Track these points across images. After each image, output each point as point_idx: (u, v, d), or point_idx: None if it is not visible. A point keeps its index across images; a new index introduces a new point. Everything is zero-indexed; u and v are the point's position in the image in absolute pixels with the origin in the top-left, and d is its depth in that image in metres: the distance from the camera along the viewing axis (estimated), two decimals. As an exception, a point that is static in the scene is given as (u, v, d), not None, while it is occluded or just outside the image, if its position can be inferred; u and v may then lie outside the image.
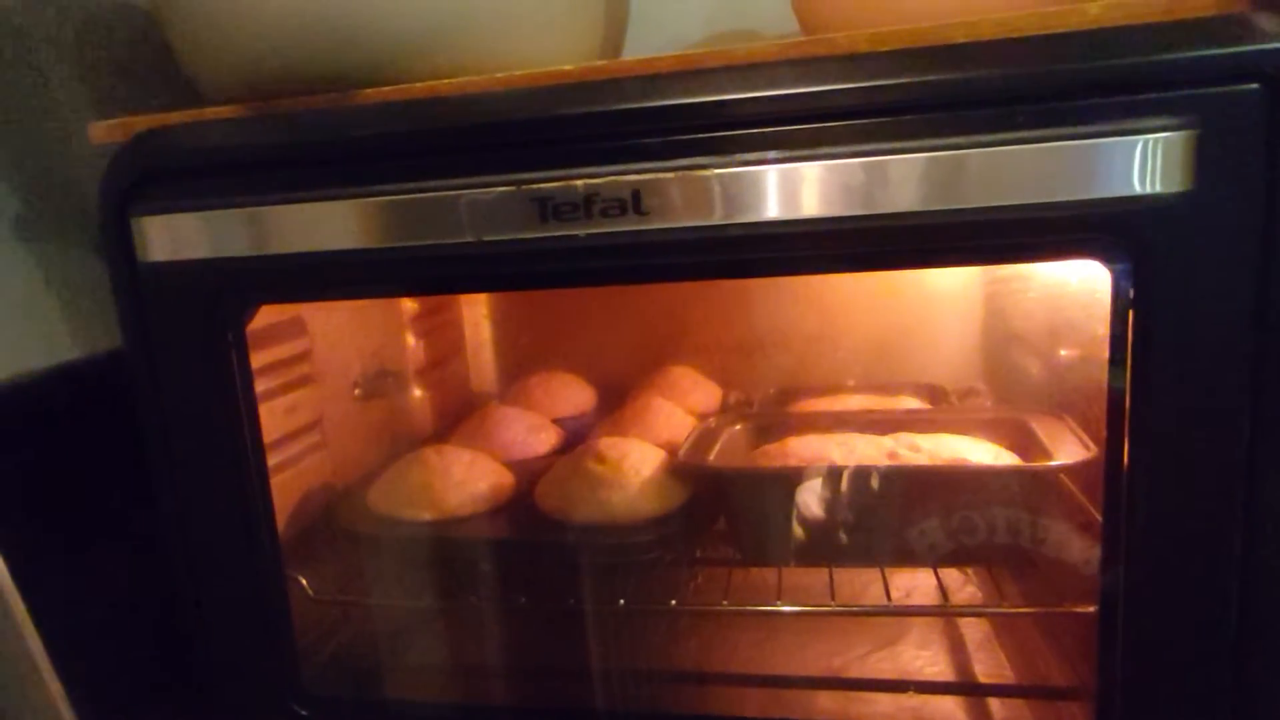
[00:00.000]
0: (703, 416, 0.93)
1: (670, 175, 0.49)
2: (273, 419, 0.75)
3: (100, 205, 0.60)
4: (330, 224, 0.54)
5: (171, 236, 0.57)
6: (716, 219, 0.49)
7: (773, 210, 0.48)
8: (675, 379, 1.05)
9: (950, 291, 1.01)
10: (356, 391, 0.93)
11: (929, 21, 0.55)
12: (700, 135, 0.49)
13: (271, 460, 0.70)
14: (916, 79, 0.49)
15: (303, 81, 0.64)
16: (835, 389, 1.00)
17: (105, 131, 0.69)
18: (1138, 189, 0.46)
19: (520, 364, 1.15)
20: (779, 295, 1.08)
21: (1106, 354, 0.72)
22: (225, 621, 0.70)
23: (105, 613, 0.76)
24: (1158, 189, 0.46)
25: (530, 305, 1.16)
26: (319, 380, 0.86)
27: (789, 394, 1.01)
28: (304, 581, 0.77)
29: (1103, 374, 0.75)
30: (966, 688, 0.75)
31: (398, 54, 0.63)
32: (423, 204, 0.52)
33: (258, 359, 0.69)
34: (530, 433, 0.95)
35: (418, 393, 1.06)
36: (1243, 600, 0.55)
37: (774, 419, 0.86)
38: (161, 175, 0.59)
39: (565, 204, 0.50)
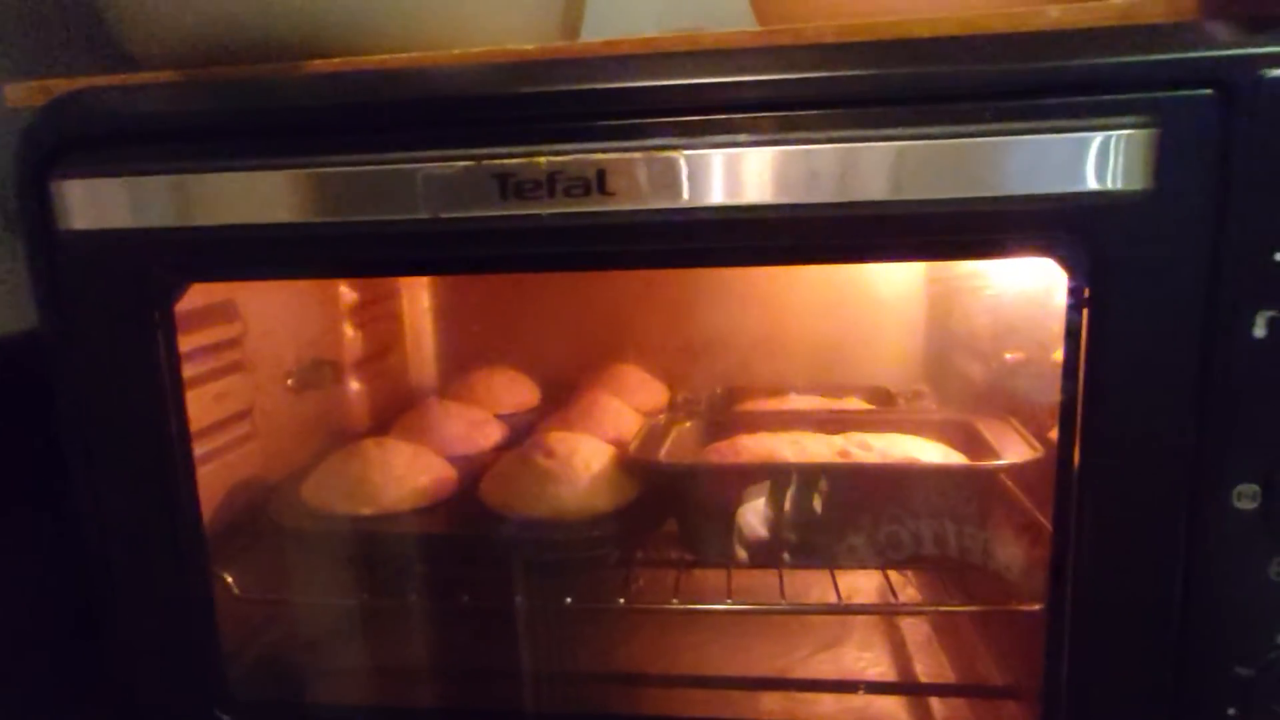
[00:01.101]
0: (650, 415, 0.92)
1: (637, 155, 0.47)
2: (200, 406, 0.71)
3: (16, 168, 0.55)
4: (271, 195, 0.51)
5: (95, 203, 0.52)
6: (683, 202, 0.47)
7: (742, 195, 0.47)
8: (622, 377, 1.03)
9: (897, 295, 1.02)
10: (290, 382, 0.88)
11: (890, 18, 0.55)
12: (669, 119, 0.48)
13: (198, 449, 0.66)
14: (886, 71, 0.49)
15: (244, 51, 0.61)
16: (782, 391, 1.00)
17: (24, 94, 0.65)
18: (1097, 185, 0.46)
19: (462, 359, 1.12)
20: (726, 297, 1.08)
21: (1053, 357, 0.73)
22: (144, 621, 0.65)
23: (13, 609, 0.71)
24: (1119, 185, 0.46)
25: (474, 299, 1.14)
26: (251, 368, 0.81)
27: (736, 394, 1.01)
28: (229, 579, 0.72)
29: (1048, 377, 0.77)
30: (915, 688, 0.75)
31: (345, 27, 0.61)
32: (375, 177, 0.49)
33: (186, 342, 0.65)
34: (473, 428, 0.92)
35: (355, 386, 1.02)
36: (1186, 598, 0.56)
37: (724, 417, 0.85)
38: (88, 139, 0.54)
39: (527, 181, 0.48)
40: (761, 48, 0.52)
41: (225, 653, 0.69)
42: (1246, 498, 0.54)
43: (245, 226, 0.51)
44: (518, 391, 1.06)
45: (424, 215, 0.49)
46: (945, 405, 0.94)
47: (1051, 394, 0.75)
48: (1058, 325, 0.73)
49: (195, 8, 0.61)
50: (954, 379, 0.95)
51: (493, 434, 0.93)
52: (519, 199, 0.48)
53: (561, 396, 0.98)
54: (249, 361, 0.81)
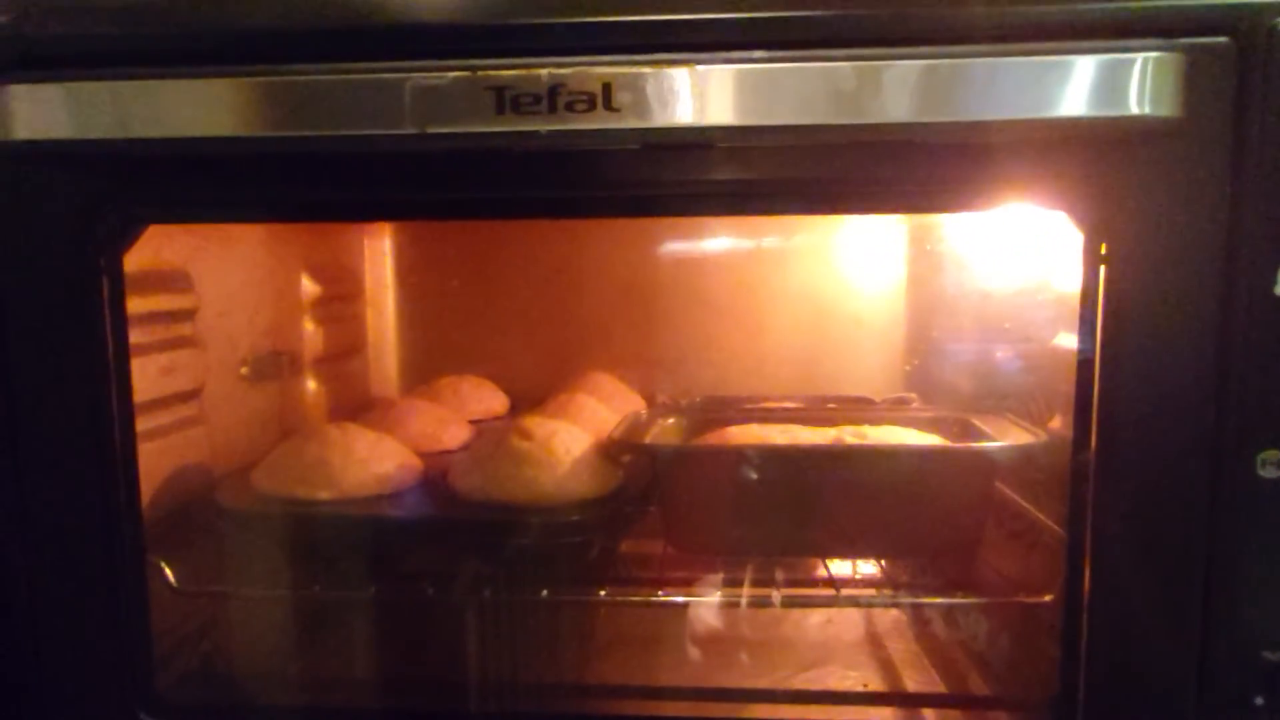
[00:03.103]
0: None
1: (647, 69, 0.44)
2: (145, 378, 0.65)
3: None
4: (235, 104, 0.46)
5: (41, 107, 0.47)
6: (693, 119, 0.44)
7: (756, 114, 0.44)
8: (596, 385, 0.98)
9: (877, 299, 1.00)
10: (244, 370, 0.82)
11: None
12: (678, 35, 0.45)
13: (140, 425, 0.60)
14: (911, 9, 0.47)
15: None
16: (760, 401, 0.97)
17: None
18: (1135, 110, 0.44)
19: (428, 365, 1.07)
20: (701, 308, 1.06)
21: (1051, 343, 0.72)
22: (65, 609, 0.58)
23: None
24: (1148, 110, 0.44)
25: (440, 304, 1.09)
26: (202, 346, 0.75)
27: (715, 403, 0.97)
28: (167, 569, 0.65)
29: (1044, 367, 0.75)
30: (907, 699, 0.70)
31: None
32: (358, 86, 0.45)
33: (134, 305, 0.59)
34: (440, 425, 0.86)
35: (313, 385, 0.96)
36: (1209, 578, 0.53)
37: (709, 413, 0.81)
38: (41, 50, 0.50)
39: (526, 95, 0.44)
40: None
41: (160, 653, 0.62)
42: (1272, 465, 0.51)
43: (213, 141, 0.47)
44: (485, 399, 1.01)
45: (410, 130, 0.45)
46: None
47: (1050, 382, 0.73)
48: (1054, 310, 0.71)
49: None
50: (942, 383, 0.92)
51: (461, 434, 0.88)
52: (516, 114, 0.45)
53: (532, 407, 0.94)
54: (201, 339, 0.75)
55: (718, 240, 1.05)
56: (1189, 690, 0.53)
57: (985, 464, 0.66)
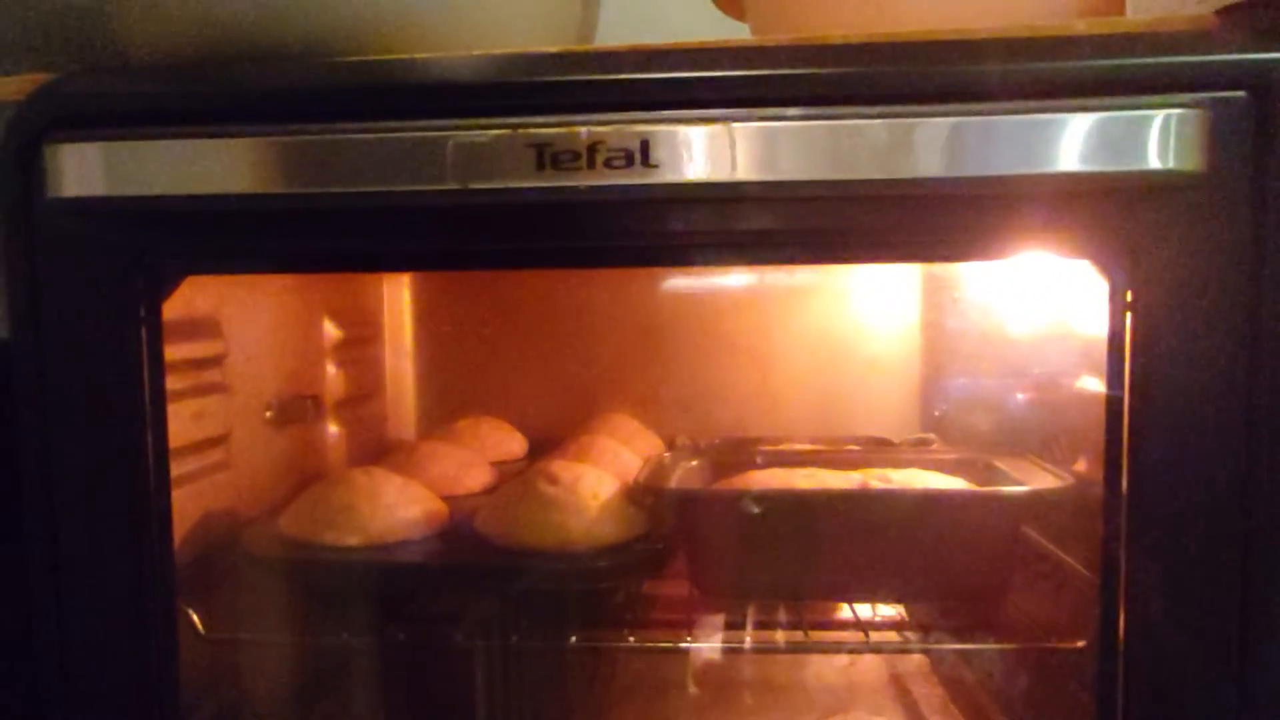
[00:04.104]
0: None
1: (683, 127, 0.45)
2: (178, 422, 0.65)
3: (5, 138, 0.51)
4: (278, 162, 0.47)
5: (88, 167, 0.48)
6: (728, 175, 0.45)
7: (790, 169, 0.45)
8: (615, 426, 0.99)
9: (894, 341, 1.01)
10: (269, 414, 0.83)
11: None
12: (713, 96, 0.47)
13: (172, 470, 0.61)
14: (935, 69, 0.48)
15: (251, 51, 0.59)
16: (780, 442, 0.97)
17: (14, 87, 0.62)
18: (1157, 164, 0.45)
19: (444, 409, 1.08)
20: (718, 349, 1.06)
21: (1074, 385, 0.72)
22: (92, 655, 0.58)
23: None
24: (1172, 165, 0.45)
25: (458, 346, 1.10)
26: (230, 392, 0.76)
27: (736, 445, 0.97)
28: (194, 616, 0.65)
29: (1068, 409, 0.75)
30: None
31: (354, 33, 0.59)
32: (400, 144, 0.46)
33: (168, 353, 0.60)
34: (462, 468, 0.87)
35: (335, 429, 0.97)
36: (1245, 620, 0.53)
37: (733, 455, 0.81)
38: (86, 112, 0.51)
39: (565, 152, 0.46)
40: (813, 45, 0.50)
41: (183, 701, 0.62)
42: (1303, 506, 0.51)
43: (256, 198, 0.48)
44: (504, 441, 1.02)
45: (451, 185, 0.46)
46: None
47: (1073, 425, 0.74)
48: (1075, 353, 0.72)
49: (200, 9, 0.59)
50: (960, 425, 0.92)
51: (483, 476, 0.88)
52: (556, 169, 0.46)
53: (550, 449, 0.94)
54: (229, 385, 0.76)
55: (734, 282, 1.06)
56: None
57: (1016, 509, 0.66)
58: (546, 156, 0.46)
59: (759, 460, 0.78)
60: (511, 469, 0.94)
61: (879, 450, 0.85)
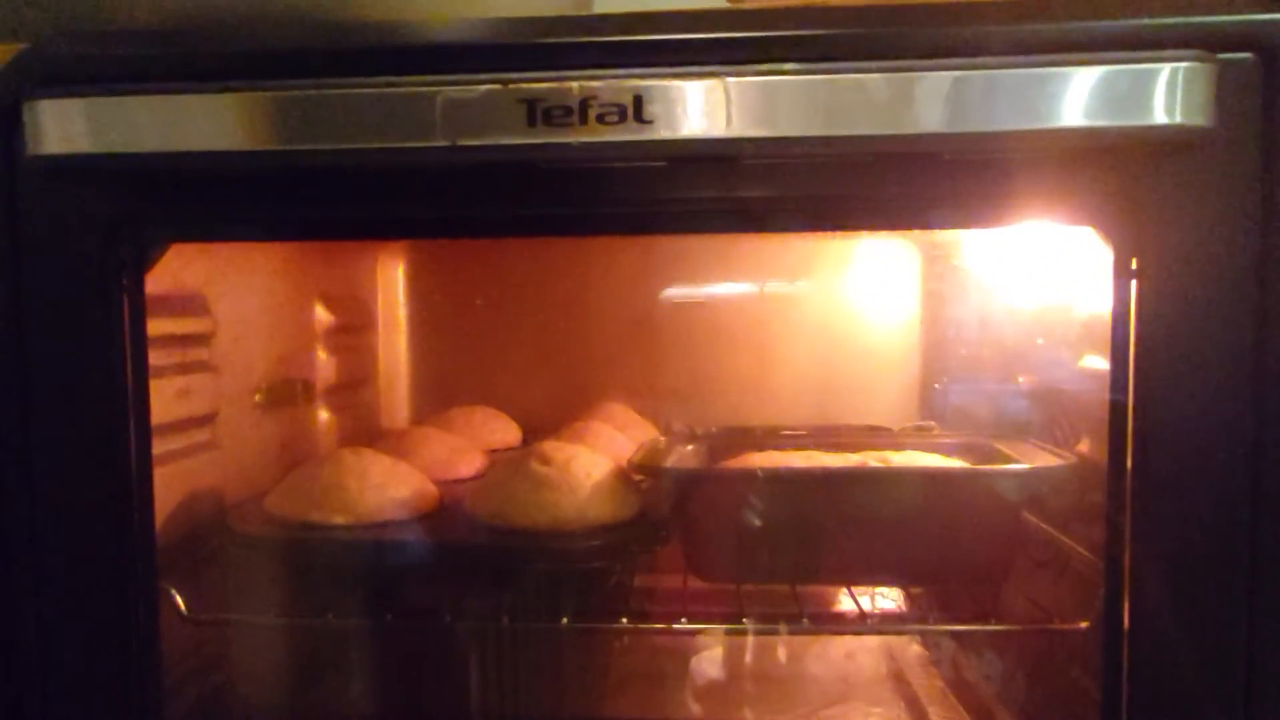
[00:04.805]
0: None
1: (677, 81, 0.44)
2: (161, 399, 0.64)
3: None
4: (267, 118, 0.46)
5: (70, 123, 0.47)
6: (724, 131, 0.44)
7: (788, 125, 0.44)
8: (610, 414, 0.98)
9: (891, 325, 1.00)
10: (258, 397, 0.82)
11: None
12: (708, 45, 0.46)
13: (155, 447, 0.59)
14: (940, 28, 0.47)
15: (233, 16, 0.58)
16: (776, 430, 0.96)
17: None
18: (1162, 119, 0.44)
19: (438, 398, 1.06)
20: (714, 338, 1.05)
21: (1078, 364, 0.71)
22: (73, 635, 0.57)
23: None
24: (1179, 120, 0.44)
25: (452, 335, 1.09)
26: (217, 372, 0.75)
27: (733, 432, 0.96)
28: (177, 596, 0.64)
29: (1069, 389, 0.74)
30: None
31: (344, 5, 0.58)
32: (389, 99, 0.45)
33: (152, 327, 0.59)
34: (455, 454, 0.85)
35: (323, 415, 0.95)
36: (1252, 598, 0.51)
37: (728, 439, 0.80)
38: (69, 70, 0.50)
39: (557, 107, 0.44)
40: (816, 6, 0.49)
41: (168, 683, 0.60)
42: (1313, 480, 0.50)
43: (233, 155, 0.46)
44: (498, 430, 1.00)
45: (441, 142, 0.45)
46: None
47: (1075, 405, 0.72)
48: (1077, 332, 0.71)
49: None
50: (960, 410, 0.91)
51: (475, 462, 0.87)
52: (548, 126, 0.44)
53: (545, 438, 0.92)
54: (216, 364, 0.74)
55: (730, 269, 1.04)
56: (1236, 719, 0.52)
57: (1018, 486, 0.65)
58: (538, 112, 0.45)
59: (755, 445, 0.76)
60: (508, 454, 0.93)
61: (878, 436, 0.84)
